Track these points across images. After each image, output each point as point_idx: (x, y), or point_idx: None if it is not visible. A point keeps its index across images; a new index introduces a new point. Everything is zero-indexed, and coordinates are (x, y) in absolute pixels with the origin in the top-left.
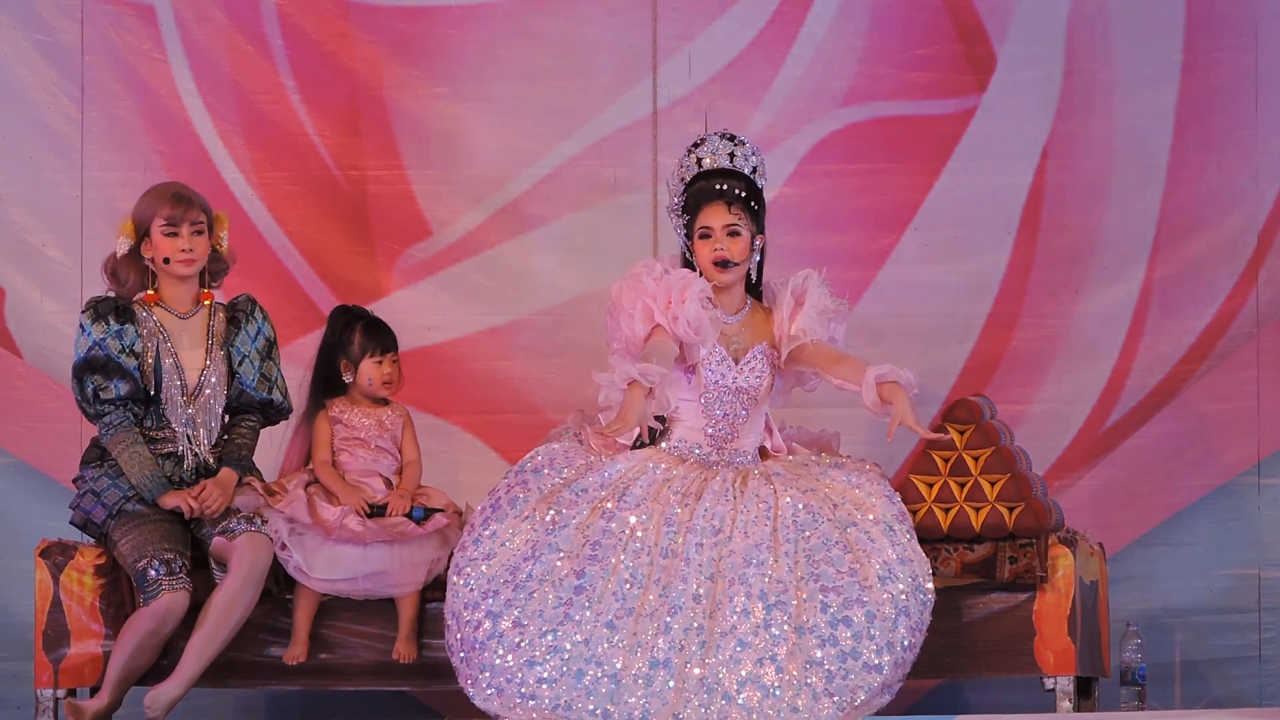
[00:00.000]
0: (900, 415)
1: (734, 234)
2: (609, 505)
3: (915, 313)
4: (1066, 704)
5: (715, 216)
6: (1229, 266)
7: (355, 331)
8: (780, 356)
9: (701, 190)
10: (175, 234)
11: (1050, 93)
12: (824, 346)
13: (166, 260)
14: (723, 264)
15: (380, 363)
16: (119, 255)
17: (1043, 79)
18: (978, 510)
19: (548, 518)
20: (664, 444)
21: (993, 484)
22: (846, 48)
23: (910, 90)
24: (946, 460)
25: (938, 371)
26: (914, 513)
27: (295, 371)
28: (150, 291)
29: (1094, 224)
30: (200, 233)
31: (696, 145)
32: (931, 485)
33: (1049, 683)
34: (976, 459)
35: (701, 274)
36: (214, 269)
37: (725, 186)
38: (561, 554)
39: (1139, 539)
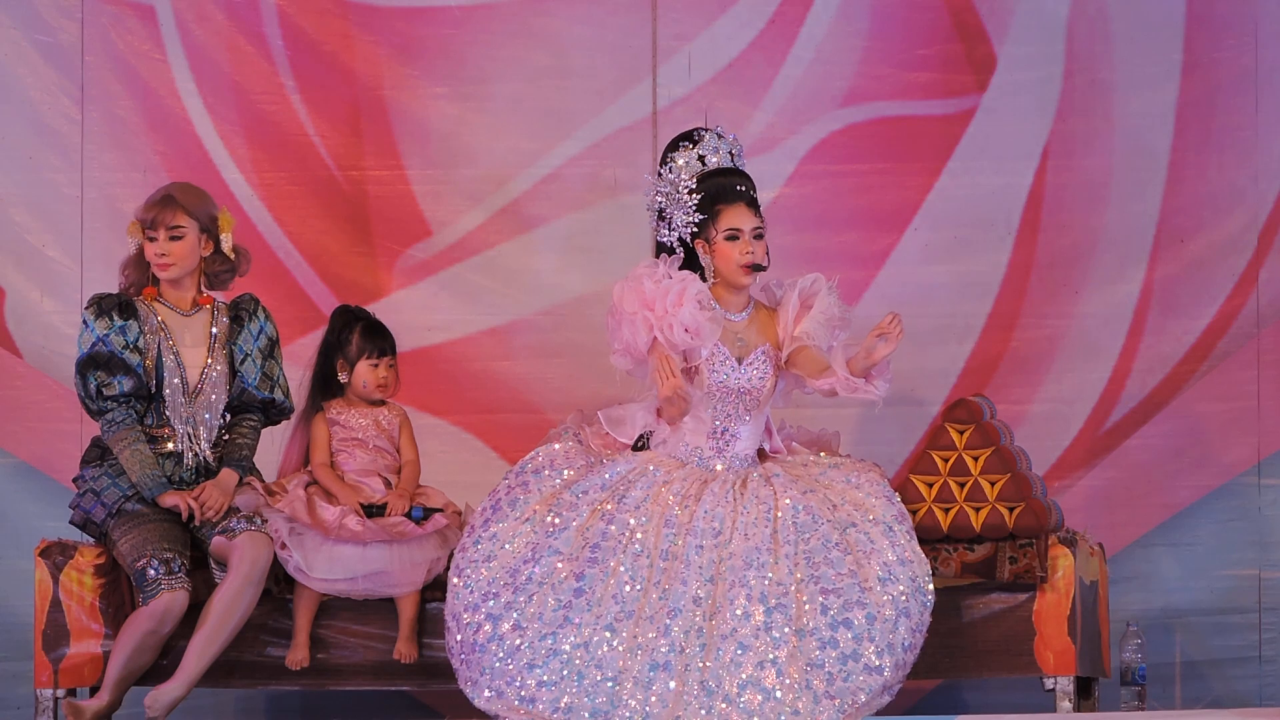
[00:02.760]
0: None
1: (759, 236)
2: (608, 507)
3: (915, 313)
4: (1066, 704)
5: (742, 218)
6: (1229, 266)
7: (354, 332)
8: (782, 357)
9: (721, 189)
10: (154, 238)
11: (1050, 93)
12: (819, 355)
13: (149, 263)
14: (754, 267)
15: (376, 365)
16: (131, 254)
17: (1043, 79)
18: (978, 510)
19: (548, 520)
20: (663, 449)
21: (993, 484)
22: (846, 48)
23: (910, 90)
24: (946, 460)
25: (938, 371)
26: (914, 513)
27: (296, 371)
28: (149, 288)
29: (1094, 224)
30: (179, 238)
31: (693, 143)
32: (931, 485)
33: (1049, 683)
34: (976, 459)
35: (712, 270)
36: (214, 271)
37: (744, 188)
38: (561, 556)
39: (1139, 539)
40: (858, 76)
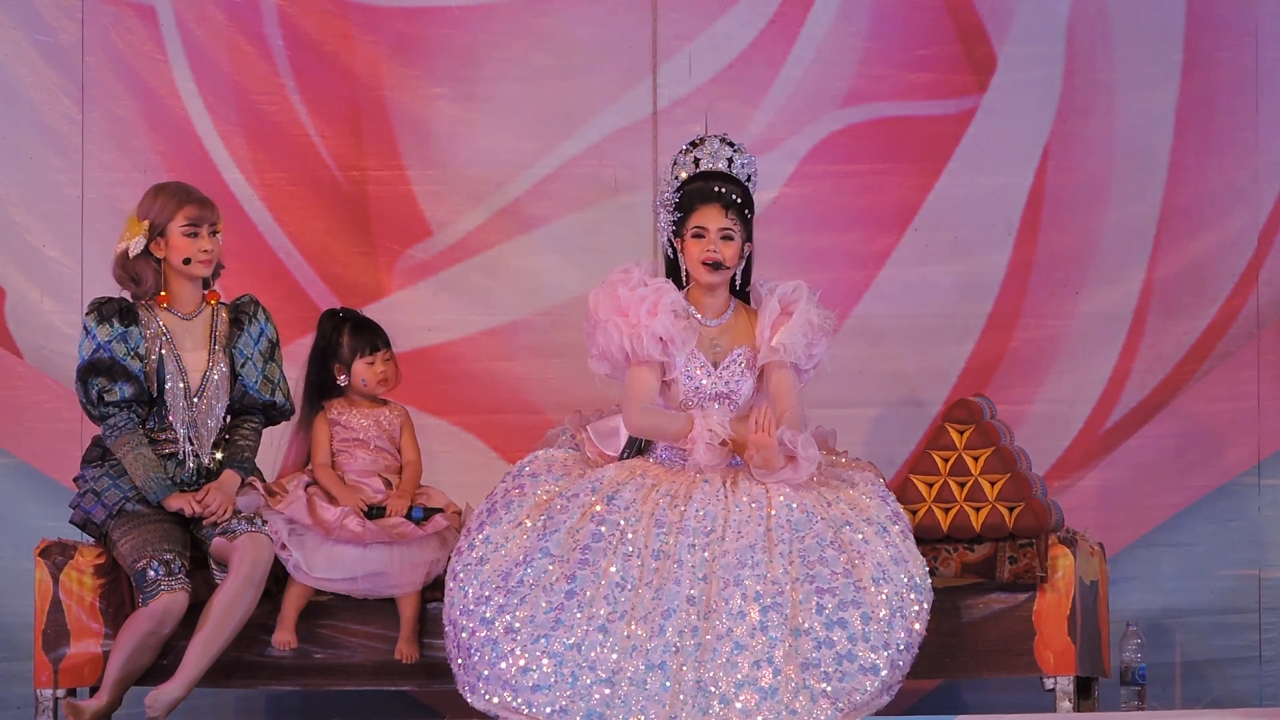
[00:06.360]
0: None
1: (727, 238)
2: (598, 509)
3: (915, 313)
4: (1066, 704)
5: (711, 218)
6: (1229, 266)
7: (343, 334)
8: (757, 362)
9: (699, 190)
10: (196, 234)
11: (1050, 93)
12: (783, 383)
13: (187, 261)
14: (714, 265)
15: (372, 362)
16: (132, 255)
17: (1043, 79)
18: (978, 510)
19: (540, 523)
20: (652, 455)
21: (993, 484)
22: (847, 48)
23: (910, 90)
24: (946, 460)
25: (938, 371)
26: (914, 513)
27: (296, 372)
28: (163, 293)
29: (1094, 224)
30: (215, 233)
31: (695, 145)
32: (931, 485)
33: (1049, 683)
34: (976, 459)
35: (686, 271)
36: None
37: (723, 190)
38: (552, 559)
39: (1139, 539)
40: (858, 76)
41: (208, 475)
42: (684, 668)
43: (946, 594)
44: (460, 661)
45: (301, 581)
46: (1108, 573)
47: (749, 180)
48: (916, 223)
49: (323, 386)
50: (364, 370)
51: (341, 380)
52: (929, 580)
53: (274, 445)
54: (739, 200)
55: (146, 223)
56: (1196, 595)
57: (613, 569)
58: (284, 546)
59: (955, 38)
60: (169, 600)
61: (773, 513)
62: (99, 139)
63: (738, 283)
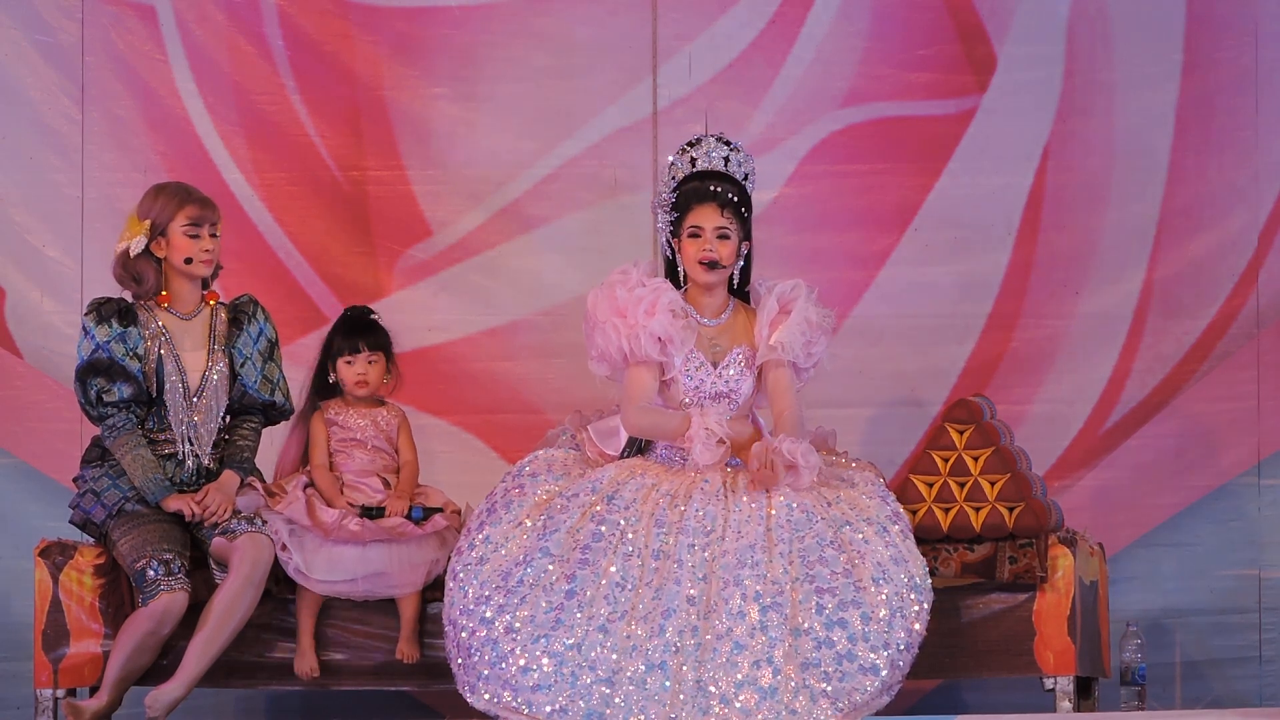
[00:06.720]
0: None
1: (724, 237)
2: (599, 509)
3: (915, 313)
4: (1066, 704)
5: (707, 217)
6: (1229, 266)
7: (337, 334)
8: (755, 361)
9: (695, 190)
10: (198, 234)
11: (1050, 93)
12: (780, 382)
13: (188, 261)
14: (710, 264)
15: (350, 363)
16: (133, 254)
17: (1043, 79)
18: (978, 510)
19: (540, 523)
20: (652, 455)
21: (993, 484)
22: (847, 48)
23: (910, 90)
24: (946, 460)
25: (938, 371)
26: (914, 513)
27: (296, 372)
28: (164, 293)
29: (1094, 224)
30: (215, 233)
31: (692, 145)
32: (931, 485)
33: (1049, 683)
34: (976, 459)
35: (684, 271)
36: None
37: (719, 189)
38: (552, 558)
39: (1139, 539)
40: (858, 76)
41: (207, 475)
42: (684, 667)
43: (946, 594)
44: (460, 661)
45: (302, 585)
46: (1107, 573)
47: (746, 179)
48: (916, 223)
49: (324, 383)
50: (343, 370)
51: (331, 378)
52: (929, 580)
53: (274, 445)
54: (735, 199)
55: (148, 222)
56: (1196, 595)
57: (613, 569)
58: (284, 548)
59: (955, 38)
60: (169, 600)
61: (773, 513)
62: (99, 139)
63: (736, 282)
